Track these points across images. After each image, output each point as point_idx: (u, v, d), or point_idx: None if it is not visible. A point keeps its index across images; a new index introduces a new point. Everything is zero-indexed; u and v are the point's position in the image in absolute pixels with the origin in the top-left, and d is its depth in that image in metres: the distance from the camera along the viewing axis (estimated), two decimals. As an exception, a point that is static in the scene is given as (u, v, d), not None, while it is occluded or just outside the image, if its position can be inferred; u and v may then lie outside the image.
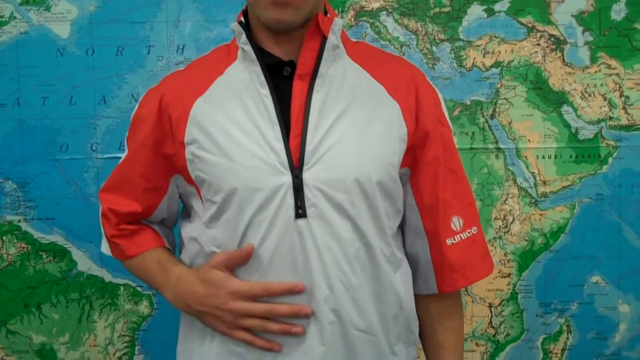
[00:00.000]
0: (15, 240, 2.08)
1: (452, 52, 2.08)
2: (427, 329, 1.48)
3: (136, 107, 1.44)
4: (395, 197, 1.35)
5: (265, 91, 1.29)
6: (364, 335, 1.31)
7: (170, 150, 1.36)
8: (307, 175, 1.25)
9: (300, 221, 1.25)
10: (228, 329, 1.30)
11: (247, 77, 1.32)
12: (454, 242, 1.40)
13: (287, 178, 1.25)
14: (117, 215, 1.44)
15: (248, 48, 1.31)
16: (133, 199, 1.42)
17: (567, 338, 2.16)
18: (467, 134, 2.09)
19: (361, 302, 1.30)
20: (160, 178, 1.41)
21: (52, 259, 2.09)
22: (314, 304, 1.27)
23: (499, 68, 2.09)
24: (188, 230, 1.41)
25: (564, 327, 2.15)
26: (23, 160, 2.06)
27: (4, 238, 2.08)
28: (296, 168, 1.25)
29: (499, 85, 2.09)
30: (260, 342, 1.29)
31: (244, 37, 1.32)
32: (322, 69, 1.31)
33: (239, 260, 1.28)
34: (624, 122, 2.10)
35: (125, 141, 1.46)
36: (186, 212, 1.46)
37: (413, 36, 2.08)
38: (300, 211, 1.25)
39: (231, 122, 1.29)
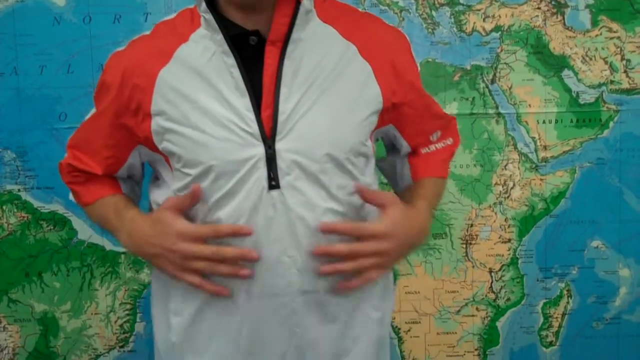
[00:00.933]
0: (16, 210, 2.08)
1: (452, 16, 2.07)
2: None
3: (103, 69, 1.39)
4: (368, 154, 1.36)
5: (231, 60, 1.25)
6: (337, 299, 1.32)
7: (131, 121, 1.32)
8: (280, 146, 1.23)
9: (274, 192, 1.24)
10: (177, 270, 1.29)
11: (212, 45, 1.27)
12: (428, 151, 1.50)
13: (260, 149, 1.23)
14: (75, 169, 1.44)
15: (209, 17, 1.27)
16: (95, 162, 1.41)
17: (568, 302, 2.17)
18: (467, 99, 2.08)
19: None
20: (121, 149, 1.38)
21: (52, 227, 2.09)
22: (285, 273, 1.27)
23: (499, 32, 2.07)
24: (156, 195, 1.39)
25: (564, 292, 2.16)
26: (22, 129, 2.05)
27: (4, 207, 2.08)
28: (269, 139, 1.23)
29: (499, 50, 2.08)
30: (209, 286, 1.28)
31: (203, 5, 1.27)
32: (295, 34, 1.27)
33: (189, 202, 1.27)
34: (625, 85, 2.09)
35: (93, 98, 1.41)
36: (154, 176, 1.44)
37: (412, 1, 2.06)
38: (273, 182, 1.23)
39: (199, 92, 1.25)
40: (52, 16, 2.03)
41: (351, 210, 1.31)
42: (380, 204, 1.29)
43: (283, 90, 1.24)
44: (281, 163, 1.23)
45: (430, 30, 2.07)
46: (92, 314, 2.13)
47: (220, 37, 1.26)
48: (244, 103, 1.24)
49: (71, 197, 1.51)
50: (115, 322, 2.13)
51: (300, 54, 1.27)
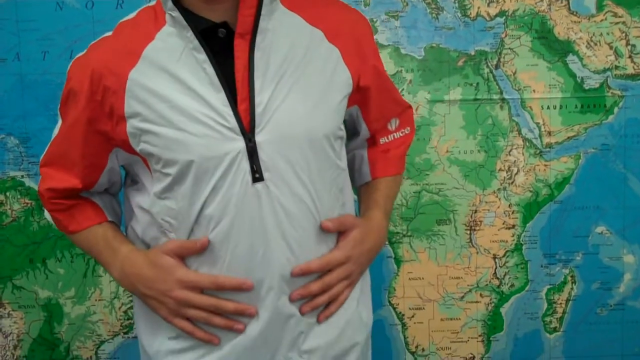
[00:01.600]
0: (19, 196, 2.08)
1: (456, 1, 2.05)
2: (360, 199, 1.56)
3: (67, 78, 1.35)
4: (343, 137, 1.40)
5: (203, 56, 1.24)
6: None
7: (107, 126, 1.30)
8: (260, 138, 1.23)
9: (258, 185, 1.24)
10: (170, 315, 1.31)
11: (181, 43, 1.26)
12: (387, 140, 1.53)
13: (240, 143, 1.23)
14: (54, 192, 1.40)
15: (177, 14, 1.26)
16: (72, 175, 1.37)
17: (572, 288, 2.16)
18: (471, 84, 2.07)
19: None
20: (98, 154, 1.36)
21: (56, 214, 2.09)
22: (271, 267, 1.28)
23: (504, 17, 2.06)
24: (137, 200, 1.37)
25: (569, 278, 2.16)
26: (25, 115, 2.05)
27: (8, 194, 2.08)
28: (248, 132, 1.23)
29: (503, 35, 2.07)
30: (199, 333, 1.30)
31: (170, 3, 1.26)
32: (262, 24, 1.26)
33: (193, 252, 1.28)
34: (630, 71, 2.08)
35: (59, 111, 1.39)
36: (131, 180, 1.42)
37: (416, -15, 2.05)
38: (257, 175, 1.23)
39: (173, 91, 1.24)
40: (55, 2, 2.02)
41: (333, 194, 1.35)
42: (343, 230, 1.36)
43: (257, 82, 1.24)
44: (263, 155, 1.23)
45: (434, 15, 2.06)
46: (96, 300, 2.13)
47: (190, 33, 1.25)
48: (219, 98, 1.23)
49: (51, 221, 1.48)
50: (120, 308, 2.14)
51: (269, 44, 1.27)
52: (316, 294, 1.32)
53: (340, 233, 1.37)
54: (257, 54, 1.25)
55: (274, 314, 1.29)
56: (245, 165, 1.23)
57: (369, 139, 1.53)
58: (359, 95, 1.40)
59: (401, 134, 1.55)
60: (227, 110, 1.23)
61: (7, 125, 2.05)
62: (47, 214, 1.47)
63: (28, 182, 2.07)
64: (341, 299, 1.37)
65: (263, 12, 1.26)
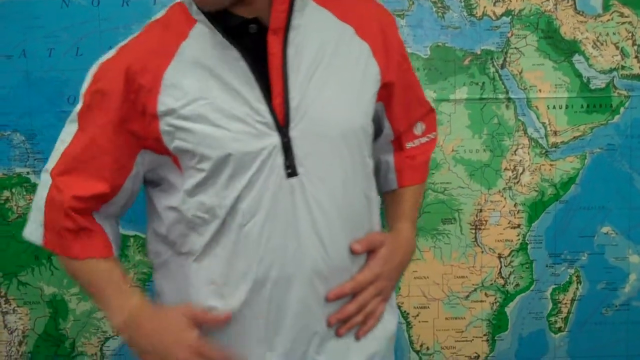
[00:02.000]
0: (25, 193, 2.09)
1: (462, 0, 2.05)
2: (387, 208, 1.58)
3: (90, 81, 1.34)
4: (371, 134, 1.41)
5: (236, 53, 1.25)
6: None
7: (138, 125, 1.29)
8: (294, 134, 1.24)
9: (292, 180, 1.25)
10: None
11: (214, 40, 1.27)
12: (413, 145, 1.54)
13: (275, 139, 1.24)
14: (80, 201, 1.33)
15: (202, 18, 1.27)
16: (99, 179, 1.33)
17: (577, 288, 2.16)
18: (477, 84, 2.07)
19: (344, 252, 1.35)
20: (127, 156, 1.33)
21: (61, 211, 2.09)
22: (304, 261, 1.28)
23: (510, 17, 2.06)
24: (164, 200, 1.36)
25: (574, 278, 2.15)
26: (30, 112, 2.05)
27: (14, 190, 2.09)
28: (283, 127, 1.24)
29: (509, 35, 2.06)
30: None
31: (195, 7, 1.27)
32: (295, 20, 1.28)
33: (211, 325, 1.30)
34: (636, 71, 2.07)
35: (77, 116, 1.35)
36: (154, 185, 1.41)
37: (423, -16, 2.05)
38: (290, 170, 1.24)
39: (208, 88, 1.25)
40: (61, -1, 2.03)
41: (363, 191, 1.35)
42: (372, 249, 1.39)
43: (291, 78, 1.25)
44: (297, 150, 1.25)
45: (440, 14, 2.06)
46: (100, 297, 2.13)
47: (219, 37, 1.26)
48: (254, 94, 1.24)
49: (29, 234, 1.41)
50: (124, 305, 2.14)
51: (302, 40, 1.28)
52: (353, 315, 1.35)
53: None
54: (291, 50, 1.26)
55: (303, 308, 1.30)
56: (280, 160, 1.24)
57: (394, 141, 1.53)
58: (384, 91, 1.40)
59: (427, 139, 1.57)
60: (262, 106, 1.24)
61: (12, 121, 2.06)
62: (30, 229, 1.40)
63: (34, 179, 2.08)
64: (377, 314, 1.40)
65: (295, 8, 1.28)
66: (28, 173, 2.08)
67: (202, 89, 1.25)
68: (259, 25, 1.27)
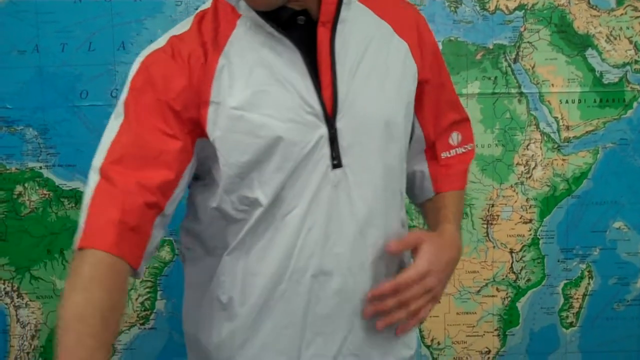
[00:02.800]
0: (37, 187, 2.09)
1: (475, -6, 2.05)
2: (427, 216, 1.53)
3: (139, 70, 1.26)
4: (410, 133, 1.39)
5: (289, 44, 1.25)
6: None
7: (195, 112, 1.25)
8: (341, 125, 1.24)
9: (337, 171, 1.25)
10: None
11: (263, 30, 1.26)
12: (448, 155, 1.48)
13: (323, 130, 1.24)
14: (147, 192, 1.19)
15: (252, 14, 1.25)
16: (163, 167, 1.21)
17: (588, 283, 2.16)
18: (489, 78, 2.07)
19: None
20: (188, 142, 1.26)
21: (73, 205, 2.09)
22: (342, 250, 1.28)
23: (523, 11, 2.05)
24: (206, 194, 1.33)
25: (585, 273, 2.15)
26: (43, 107, 2.06)
27: (26, 185, 2.09)
28: (330, 118, 1.24)
29: (522, 29, 2.06)
30: None
31: (243, 4, 1.26)
32: (343, 13, 1.28)
33: None
34: (649, 65, 2.07)
35: (123, 107, 1.24)
36: (197, 178, 1.35)
37: (435, -22, 2.05)
38: (335, 162, 1.25)
39: (259, 77, 1.24)
40: (74, -6, 2.03)
41: (399, 190, 1.36)
42: (413, 247, 1.31)
43: (339, 70, 1.25)
44: (342, 141, 1.24)
45: (452, 8, 2.05)
46: (113, 291, 2.14)
47: (269, 29, 1.24)
48: (305, 85, 1.24)
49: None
50: (136, 299, 2.15)
51: (348, 33, 1.28)
52: (391, 309, 1.29)
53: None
54: (338, 43, 1.26)
55: (340, 303, 1.29)
56: (326, 151, 1.24)
57: (428, 150, 1.49)
58: (418, 90, 1.39)
59: (464, 150, 1.51)
60: (313, 97, 1.23)
61: (26, 116, 2.06)
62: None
63: (46, 174, 2.08)
64: (421, 315, 1.32)
65: (344, 1, 1.28)
66: (41, 168, 2.08)
67: (252, 79, 1.24)
68: (307, 18, 1.27)
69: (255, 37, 1.26)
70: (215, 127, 1.25)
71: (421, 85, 1.38)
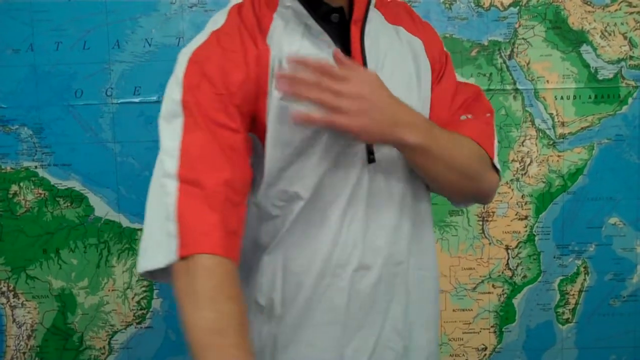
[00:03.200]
0: (33, 187, 2.09)
1: (470, -9, 2.05)
2: None
3: (188, 67, 1.19)
4: None
5: (327, 38, 1.24)
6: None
7: (253, 105, 1.22)
8: None
9: (371, 166, 1.25)
10: None
11: (299, 23, 1.25)
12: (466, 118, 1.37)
13: None
14: (232, 190, 1.14)
15: (296, 5, 1.24)
16: (238, 162, 1.17)
17: (584, 280, 2.16)
18: (484, 75, 2.07)
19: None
20: (247, 135, 1.23)
21: (69, 204, 2.09)
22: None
23: (517, 7, 2.05)
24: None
25: (581, 269, 2.15)
26: (38, 106, 2.05)
27: (22, 184, 2.09)
28: None
29: (517, 25, 2.06)
30: None
31: None
32: (370, 13, 1.29)
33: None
34: (644, 61, 2.07)
35: (181, 107, 1.16)
36: None
37: (429, -25, 2.05)
38: (371, 156, 1.25)
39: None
40: (68, -8, 2.03)
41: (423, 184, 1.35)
42: (352, 68, 1.19)
43: (370, 67, 1.25)
44: None
45: (447, 5, 2.05)
46: (109, 290, 2.14)
47: (311, 20, 1.24)
48: None
49: (153, 262, 1.12)
50: (133, 298, 2.14)
51: (374, 32, 1.29)
52: (294, 81, 1.16)
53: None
54: (367, 41, 1.27)
55: (375, 298, 1.28)
56: (363, 145, 1.24)
57: None
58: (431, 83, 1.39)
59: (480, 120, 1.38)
60: None
61: (20, 115, 2.06)
62: (151, 258, 1.12)
63: (41, 173, 2.08)
64: (315, 117, 1.17)
65: (372, 1, 1.29)
66: (36, 167, 2.08)
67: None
68: (341, 15, 1.27)
69: (295, 30, 1.25)
70: (268, 117, 1.22)
71: (433, 78, 1.38)
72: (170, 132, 1.16)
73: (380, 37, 1.30)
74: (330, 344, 1.28)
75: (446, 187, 1.33)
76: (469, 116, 1.38)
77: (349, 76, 1.17)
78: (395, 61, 1.30)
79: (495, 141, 1.36)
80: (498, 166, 1.35)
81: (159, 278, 1.16)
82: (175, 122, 1.16)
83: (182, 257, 1.08)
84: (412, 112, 1.23)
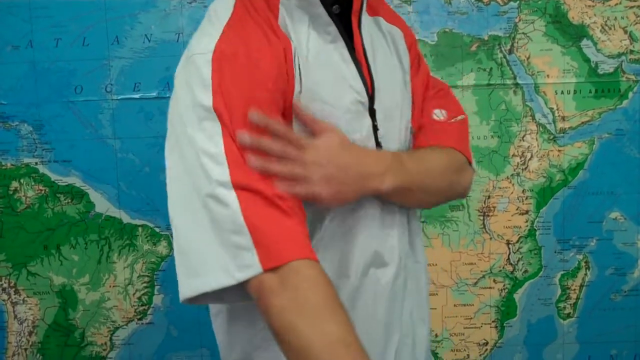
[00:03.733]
0: (33, 183, 2.09)
1: (470, -14, 2.05)
2: None
3: (210, 69, 1.08)
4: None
5: (334, 30, 1.21)
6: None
7: (283, 99, 1.15)
8: (378, 116, 1.23)
9: None
10: None
11: (305, 15, 1.20)
12: (436, 119, 1.36)
13: (369, 120, 1.22)
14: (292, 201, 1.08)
15: None
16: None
17: (585, 274, 2.16)
18: (484, 69, 2.06)
19: None
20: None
21: (70, 201, 2.09)
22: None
23: (518, 2, 2.05)
24: None
25: (582, 264, 2.15)
26: (38, 102, 2.05)
27: (22, 181, 2.09)
28: (370, 108, 1.23)
29: (517, 20, 2.06)
30: None
31: None
32: (365, 4, 1.27)
33: None
34: (644, 55, 2.07)
35: (212, 109, 1.05)
36: None
37: (429, -30, 2.04)
38: (378, 147, 1.24)
39: (320, 65, 1.19)
40: (67, -11, 2.03)
41: None
42: (316, 129, 1.14)
43: (369, 56, 1.25)
44: (381, 131, 1.23)
45: (447, 0, 2.05)
46: (110, 286, 2.14)
47: (321, 9, 1.19)
48: (350, 72, 1.21)
49: (210, 283, 1.02)
50: (134, 294, 2.15)
51: (367, 24, 1.28)
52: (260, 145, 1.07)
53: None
54: (364, 33, 1.25)
55: (395, 285, 1.27)
56: (373, 141, 1.22)
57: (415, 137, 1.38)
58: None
59: (454, 121, 1.37)
60: (359, 85, 1.21)
61: (20, 112, 2.06)
62: (214, 279, 1.02)
63: (42, 169, 2.08)
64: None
65: None
66: (36, 164, 2.08)
67: (315, 65, 1.18)
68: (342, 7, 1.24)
69: (302, 20, 1.20)
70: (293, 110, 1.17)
71: (412, 69, 1.38)
72: (209, 138, 1.05)
73: (369, 27, 1.29)
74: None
75: (424, 205, 1.36)
76: (443, 112, 1.37)
77: (309, 145, 1.10)
78: (383, 55, 1.29)
79: (468, 132, 1.39)
80: (473, 163, 1.36)
81: (210, 300, 1.06)
82: (214, 126, 1.06)
83: (269, 269, 0.99)
84: (378, 157, 1.19)
